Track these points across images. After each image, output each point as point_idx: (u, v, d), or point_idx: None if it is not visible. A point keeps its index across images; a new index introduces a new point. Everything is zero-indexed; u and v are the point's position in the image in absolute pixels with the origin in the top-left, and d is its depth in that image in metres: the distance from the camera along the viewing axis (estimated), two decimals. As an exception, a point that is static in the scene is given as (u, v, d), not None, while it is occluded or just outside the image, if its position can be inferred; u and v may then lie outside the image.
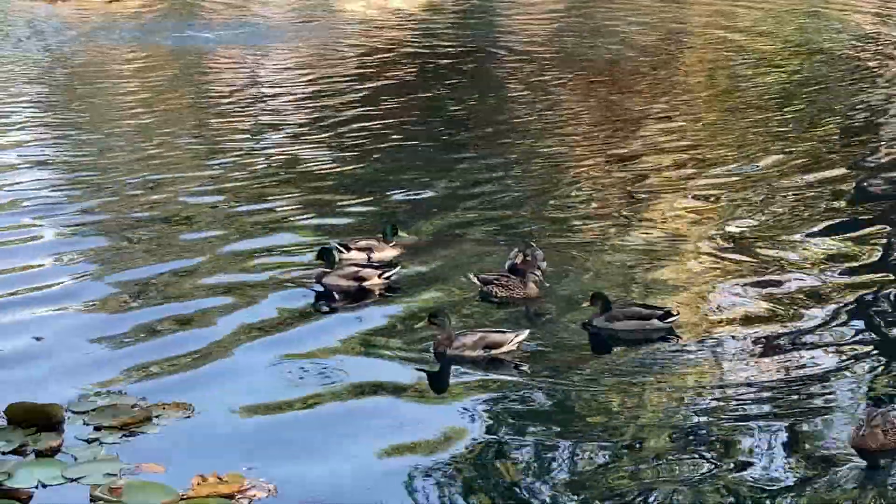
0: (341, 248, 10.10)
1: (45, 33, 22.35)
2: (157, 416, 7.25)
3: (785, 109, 16.57)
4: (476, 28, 23.77)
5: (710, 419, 7.41)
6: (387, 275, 9.47)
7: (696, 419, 7.41)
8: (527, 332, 8.36)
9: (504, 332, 8.38)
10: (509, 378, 8.03)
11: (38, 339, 8.60)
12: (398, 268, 9.61)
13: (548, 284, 9.41)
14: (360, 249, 10.16)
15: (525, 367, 8.17)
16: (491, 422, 7.40)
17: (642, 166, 13.73)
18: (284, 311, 9.12)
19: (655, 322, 8.68)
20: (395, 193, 12.39)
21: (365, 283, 9.47)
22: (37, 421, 7.08)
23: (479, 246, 10.73)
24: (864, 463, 6.85)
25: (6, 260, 10.23)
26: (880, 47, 21.51)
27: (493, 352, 8.23)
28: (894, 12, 26.31)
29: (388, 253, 10.20)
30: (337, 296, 9.49)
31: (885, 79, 18.33)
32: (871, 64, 19.77)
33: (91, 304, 9.24)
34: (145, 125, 15.41)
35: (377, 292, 9.48)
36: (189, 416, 7.30)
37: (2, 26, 22.94)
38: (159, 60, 20.20)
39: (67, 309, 9.15)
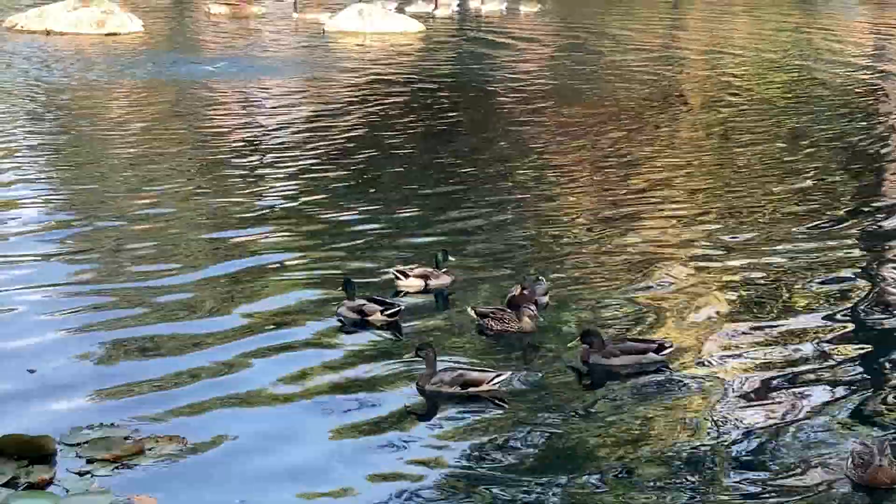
0: (399, 276, 10.40)
1: (40, 66, 22.35)
2: (149, 449, 7.20)
3: (785, 142, 16.65)
4: (472, 63, 23.84)
5: (705, 451, 7.38)
6: (389, 312, 9.51)
7: (690, 451, 7.38)
8: (508, 373, 8.34)
9: (484, 370, 8.37)
10: (496, 413, 8.03)
11: (31, 371, 8.57)
12: (402, 307, 9.63)
13: (542, 319, 9.41)
14: (417, 276, 10.39)
15: (513, 402, 8.14)
16: (475, 454, 7.41)
17: (641, 201, 13.74)
18: (281, 342, 9.11)
19: (651, 355, 8.70)
20: (394, 228, 12.38)
21: (368, 318, 9.51)
22: (29, 453, 7.04)
23: (477, 279, 10.75)
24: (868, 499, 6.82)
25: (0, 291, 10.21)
26: (878, 76, 21.63)
27: (471, 390, 8.22)
28: (890, 36, 26.47)
29: (443, 279, 10.44)
30: (343, 327, 9.52)
31: (883, 112, 18.40)
32: (869, 94, 19.90)
33: (85, 336, 9.19)
34: (141, 158, 15.39)
35: (378, 325, 9.49)
36: (182, 449, 7.25)
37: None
38: (155, 93, 20.22)
39: (61, 342, 9.10)
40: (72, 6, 27.00)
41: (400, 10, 28.98)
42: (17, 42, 25.18)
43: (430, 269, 10.46)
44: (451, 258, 10.59)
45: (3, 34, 26.28)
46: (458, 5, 31.93)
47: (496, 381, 8.24)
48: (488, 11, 31.58)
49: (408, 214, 12.95)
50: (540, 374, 8.64)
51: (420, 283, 10.37)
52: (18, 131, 16.91)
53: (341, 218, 12.75)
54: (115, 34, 26.28)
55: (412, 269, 10.50)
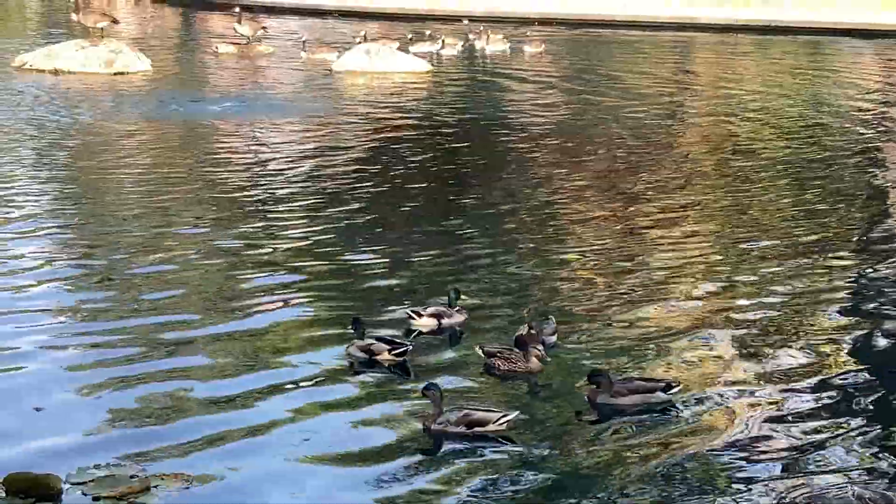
0: (412, 315, 10.42)
1: (48, 105, 22.46)
2: (155, 486, 7.21)
3: (793, 183, 16.66)
4: (478, 103, 23.93)
5: (713, 491, 7.37)
6: (397, 352, 9.52)
7: (699, 492, 7.37)
8: (515, 413, 8.34)
9: (491, 410, 8.37)
10: (503, 453, 8.03)
11: (37, 409, 8.57)
12: (410, 346, 9.63)
13: (549, 359, 9.41)
14: (430, 316, 10.41)
15: (520, 442, 8.14)
16: (481, 494, 7.43)
17: (649, 239, 13.77)
18: (288, 380, 9.14)
19: (659, 394, 8.71)
20: (404, 267, 12.42)
21: (376, 357, 9.52)
22: (35, 492, 7.04)
23: (485, 318, 10.75)
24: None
25: (5, 328, 10.21)
26: (886, 123, 21.64)
27: (477, 430, 8.21)
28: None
29: (456, 318, 10.47)
30: (352, 366, 9.55)
31: (891, 160, 18.40)
32: (882, 137, 19.94)
33: (91, 375, 9.20)
34: (149, 199, 15.43)
35: (387, 365, 9.47)
36: (188, 487, 7.24)
37: (5, 97, 22.97)
38: (163, 133, 20.32)
39: (68, 379, 9.11)
40: (80, 45, 27.13)
41: (403, 49, 29.05)
42: (25, 81, 25.29)
43: (443, 308, 10.49)
44: (463, 296, 10.59)
45: (11, 73, 26.39)
46: (463, 45, 32.03)
47: (502, 421, 8.23)
48: (493, 51, 31.70)
49: (417, 253, 12.97)
50: (547, 415, 8.64)
51: (433, 322, 10.40)
52: (25, 171, 16.96)
53: (351, 257, 12.77)
54: (123, 73, 26.40)
55: (425, 308, 10.52)
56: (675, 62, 32.43)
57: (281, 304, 11.11)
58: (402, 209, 15.17)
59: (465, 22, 33.87)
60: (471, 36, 33.09)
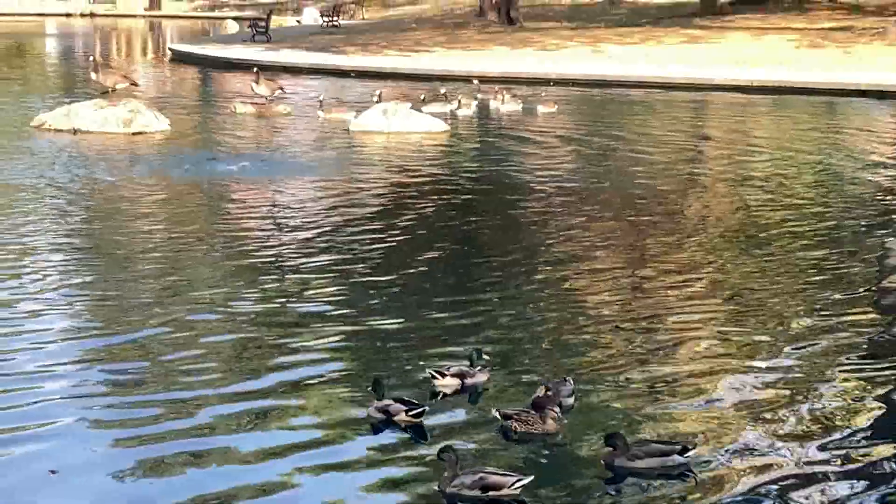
0: (436, 375, 10.44)
1: (66, 165, 22.62)
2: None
3: (813, 244, 16.62)
4: (494, 161, 24.00)
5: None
6: (413, 413, 9.52)
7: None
8: (531, 477, 8.32)
9: (506, 474, 8.35)
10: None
11: (52, 472, 8.57)
12: (426, 408, 9.64)
13: (566, 421, 9.40)
14: (454, 376, 10.43)
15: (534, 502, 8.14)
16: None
17: (667, 300, 13.75)
18: (305, 440, 9.15)
19: (675, 457, 8.69)
20: (425, 328, 12.43)
21: (394, 418, 9.54)
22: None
23: (502, 380, 10.74)
24: None
25: (20, 388, 10.23)
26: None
27: (492, 493, 8.20)
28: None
29: (479, 377, 10.49)
30: (369, 427, 9.58)
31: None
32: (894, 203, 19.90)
33: (110, 442, 9.20)
34: (167, 259, 15.49)
35: (403, 426, 9.48)
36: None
37: (24, 157, 23.14)
38: (180, 193, 20.40)
39: (85, 444, 9.11)
40: (99, 105, 27.33)
41: (417, 108, 29.22)
42: (44, 141, 25.50)
43: (465, 368, 10.50)
44: (485, 356, 10.61)
45: (30, 133, 26.61)
46: (477, 105, 32.20)
47: (518, 484, 8.21)
48: (507, 111, 31.85)
49: (436, 311, 12.99)
50: (563, 477, 8.61)
51: (457, 382, 10.41)
52: (41, 230, 17.03)
53: (370, 316, 12.77)
54: (141, 133, 26.60)
55: (448, 368, 10.53)
56: (688, 122, 32.55)
57: (299, 363, 11.13)
58: (420, 268, 15.20)
59: (475, 82, 34.02)
60: (483, 95, 33.25)
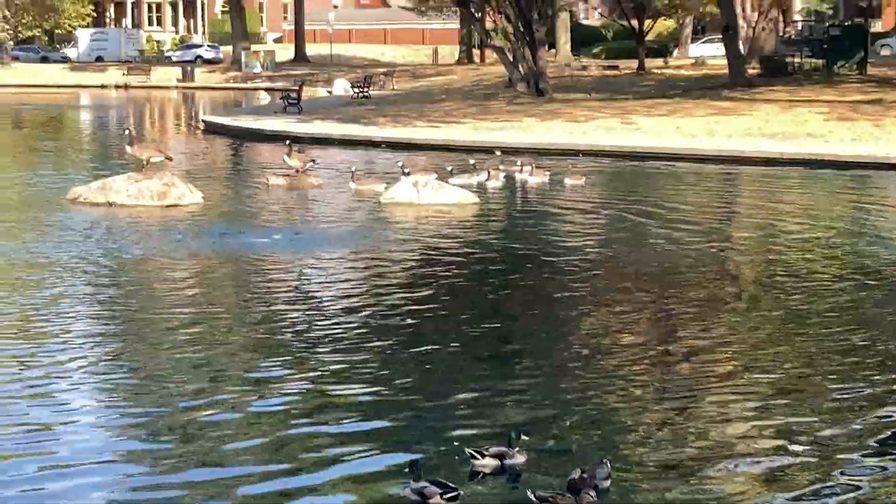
0: (475, 455, 10.47)
1: (101, 238, 22.82)
2: None
3: (843, 322, 16.50)
4: (524, 234, 24.06)
5: None
6: (448, 496, 9.54)
7: None
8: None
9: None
10: None
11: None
12: (461, 491, 9.64)
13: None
14: (493, 456, 10.47)
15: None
16: None
17: (700, 376, 13.70)
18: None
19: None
20: (458, 407, 12.42)
21: (428, 501, 9.57)
22: None
23: (538, 461, 10.71)
24: None
25: (51, 473, 10.26)
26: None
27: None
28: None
29: (518, 458, 10.50)
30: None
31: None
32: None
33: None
34: (198, 333, 15.57)
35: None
36: None
37: (58, 231, 23.35)
38: (212, 266, 20.52)
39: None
40: (133, 178, 27.57)
41: (444, 179, 29.37)
42: (78, 214, 25.74)
43: (504, 449, 10.51)
44: (524, 437, 10.60)
45: (65, 206, 26.85)
46: (505, 176, 32.33)
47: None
48: (534, 183, 31.93)
49: (469, 388, 13.00)
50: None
51: (496, 462, 10.42)
52: (74, 305, 17.16)
53: (405, 394, 12.79)
54: (175, 205, 26.81)
55: (487, 448, 10.54)
56: (719, 194, 32.57)
57: (333, 440, 11.14)
58: (452, 342, 15.22)
59: (498, 153, 34.14)
60: (511, 167, 33.36)
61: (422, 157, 38.53)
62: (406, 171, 29.89)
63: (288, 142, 33.96)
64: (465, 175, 31.48)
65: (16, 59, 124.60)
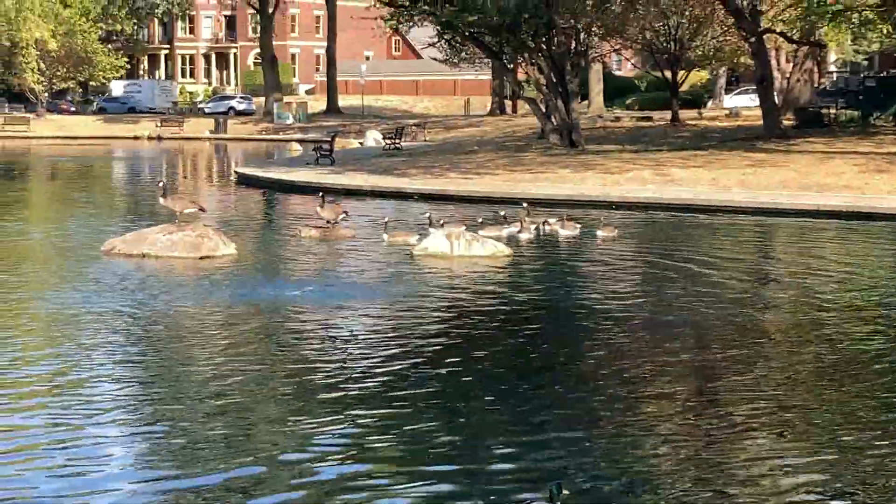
0: None
1: (135, 290, 22.86)
2: None
3: (891, 383, 16.28)
4: (556, 286, 23.95)
5: None
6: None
7: None
8: None
9: None
10: None
11: None
12: None
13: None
14: None
15: None
16: None
17: (737, 445, 13.46)
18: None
19: None
20: (494, 461, 12.30)
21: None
22: None
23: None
24: None
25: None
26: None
27: None
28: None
29: None
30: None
31: None
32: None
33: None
34: (228, 385, 15.51)
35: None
36: None
37: (93, 282, 23.45)
38: (244, 318, 20.45)
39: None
40: (167, 230, 27.63)
41: (474, 231, 29.32)
42: (113, 265, 25.80)
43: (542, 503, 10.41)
44: (565, 491, 10.48)
45: (100, 258, 26.93)
46: (535, 228, 32.22)
47: None
48: (565, 235, 31.79)
49: (505, 443, 12.89)
50: None
51: None
52: (108, 357, 17.14)
53: (439, 450, 12.66)
54: (209, 257, 26.82)
55: (529, 501, 10.39)
56: (755, 246, 32.37)
57: (368, 499, 11.03)
58: (488, 397, 15.10)
59: (524, 205, 33.99)
60: (541, 219, 33.21)
61: (454, 209, 38.50)
62: (441, 222, 29.87)
63: (320, 193, 34.00)
64: (496, 226, 31.40)
65: (59, 111, 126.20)
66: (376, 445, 12.92)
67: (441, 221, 30.12)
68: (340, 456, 12.53)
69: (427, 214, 30.73)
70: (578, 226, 32.68)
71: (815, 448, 12.93)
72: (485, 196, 42.36)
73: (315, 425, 13.67)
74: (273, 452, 12.64)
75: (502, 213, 33.12)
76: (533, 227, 32.30)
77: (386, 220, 31.99)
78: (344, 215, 32.68)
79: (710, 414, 14.49)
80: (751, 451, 12.85)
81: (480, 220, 31.98)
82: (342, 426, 13.66)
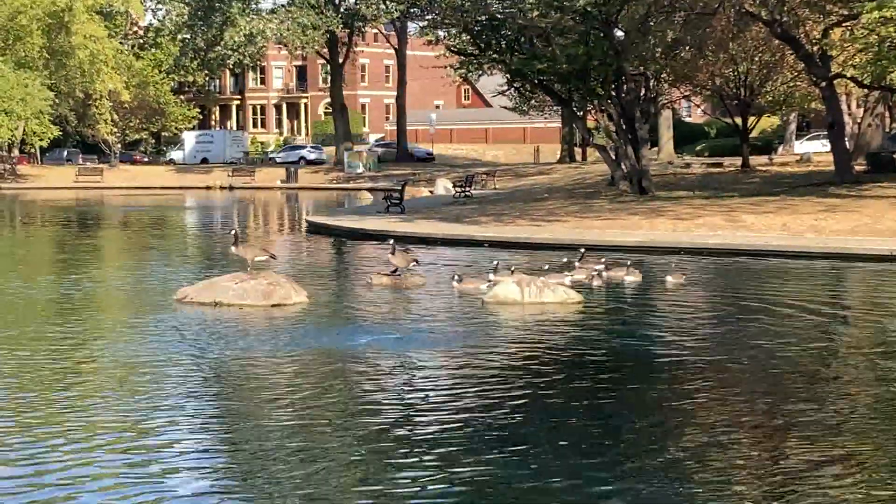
0: None
1: (207, 337, 23.14)
2: None
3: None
4: (629, 333, 23.88)
5: None
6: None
7: None
8: None
9: None
10: None
11: None
12: None
13: None
14: None
15: None
16: None
17: (805, 483, 13.37)
18: None
19: None
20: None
21: None
22: None
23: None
24: None
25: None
26: None
27: None
28: None
29: None
30: None
31: None
32: None
33: None
34: (299, 432, 15.59)
35: None
36: None
37: (167, 331, 23.73)
38: (315, 365, 20.56)
39: None
40: (239, 278, 27.90)
41: (541, 277, 29.31)
42: (186, 314, 26.06)
43: None
44: None
45: (174, 306, 27.24)
46: (601, 275, 32.11)
47: None
48: (631, 281, 31.67)
49: (579, 495, 12.80)
50: None
51: None
52: (181, 404, 17.33)
53: (510, 499, 12.65)
54: (280, 305, 27.04)
55: None
56: (827, 292, 32.02)
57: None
58: (562, 441, 15.07)
59: (582, 250, 33.89)
60: (607, 265, 33.06)
61: (524, 256, 38.49)
62: (511, 269, 29.96)
63: (391, 241, 34.21)
64: (562, 274, 31.29)
65: (132, 161, 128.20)
66: (447, 491, 12.93)
67: (512, 268, 30.19)
68: (411, 501, 12.56)
69: (495, 263, 30.86)
70: (640, 272, 32.51)
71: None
72: (555, 243, 42.33)
73: (385, 473, 13.71)
74: (347, 497, 12.69)
75: (564, 259, 33.04)
76: (605, 273, 32.15)
77: (456, 267, 32.06)
78: (414, 263, 32.83)
79: (777, 456, 14.36)
80: (822, 497, 12.72)
81: (546, 266, 31.90)
82: (411, 470, 13.68)
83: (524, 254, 40.04)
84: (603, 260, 33.35)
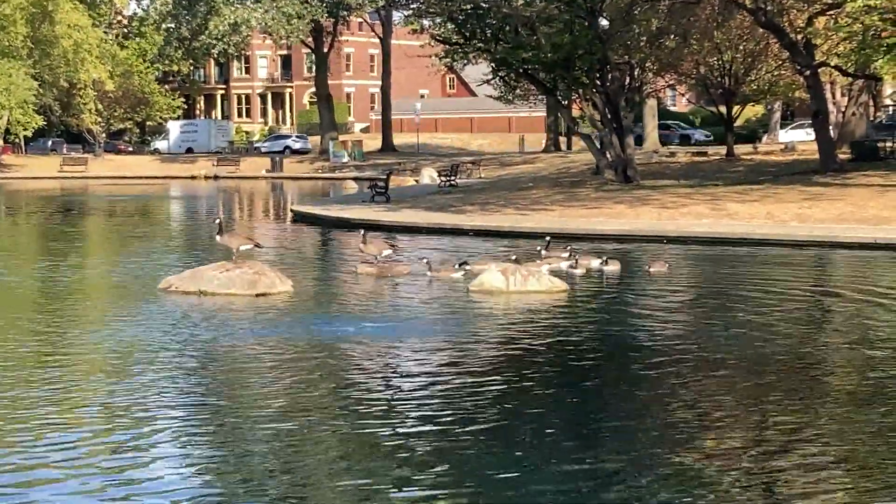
0: None
1: (191, 326, 23.12)
2: None
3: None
4: (611, 322, 23.91)
5: None
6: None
7: None
8: None
9: None
10: None
11: None
12: None
13: None
14: None
15: None
16: None
17: (789, 478, 13.38)
18: None
19: None
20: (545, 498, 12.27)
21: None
22: None
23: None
24: None
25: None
26: None
27: None
28: None
29: None
30: None
31: None
32: None
33: None
34: (285, 421, 15.59)
35: None
36: None
37: (151, 320, 23.66)
38: (299, 354, 20.48)
39: None
40: (224, 267, 27.84)
41: (525, 265, 29.31)
42: (170, 303, 26.03)
43: None
44: None
45: (158, 295, 27.17)
46: (587, 264, 32.01)
47: None
48: (610, 272, 31.53)
49: (564, 481, 12.82)
50: None
51: None
52: (161, 395, 17.29)
53: (501, 490, 12.65)
54: (265, 294, 27.00)
55: None
56: (811, 280, 32.09)
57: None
58: (548, 430, 15.07)
59: (547, 238, 33.69)
60: (584, 254, 33.01)
61: (509, 244, 38.50)
62: (514, 257, 30.04)
63: (362, 231, 34.23)
64: (545, 263, 31.11)
65: (116, 151, 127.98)
66: (435, 476, 12.93)
67: (514, 257, 30.34)
68: (401, 491, 12.55)
69: (547, 239, 31.74)
70: (618, 262, 32.36)
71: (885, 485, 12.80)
72: (540, 232, 42.30)
73: (371, 462, 13.71)
74: (331, 487, 12.68)
75: (538, 248, 32.82)
76: (598, 262, 31.99)
77: (438, 256, 32.04)
78: (390, 251, 32.75)
79: (773, 449, 14.38)
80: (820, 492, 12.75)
81: (514, 257, 31.34)
82: (399, 463, 13.69)
83: (507, 242, 40.03)
84: (567, 247, 33.15)
